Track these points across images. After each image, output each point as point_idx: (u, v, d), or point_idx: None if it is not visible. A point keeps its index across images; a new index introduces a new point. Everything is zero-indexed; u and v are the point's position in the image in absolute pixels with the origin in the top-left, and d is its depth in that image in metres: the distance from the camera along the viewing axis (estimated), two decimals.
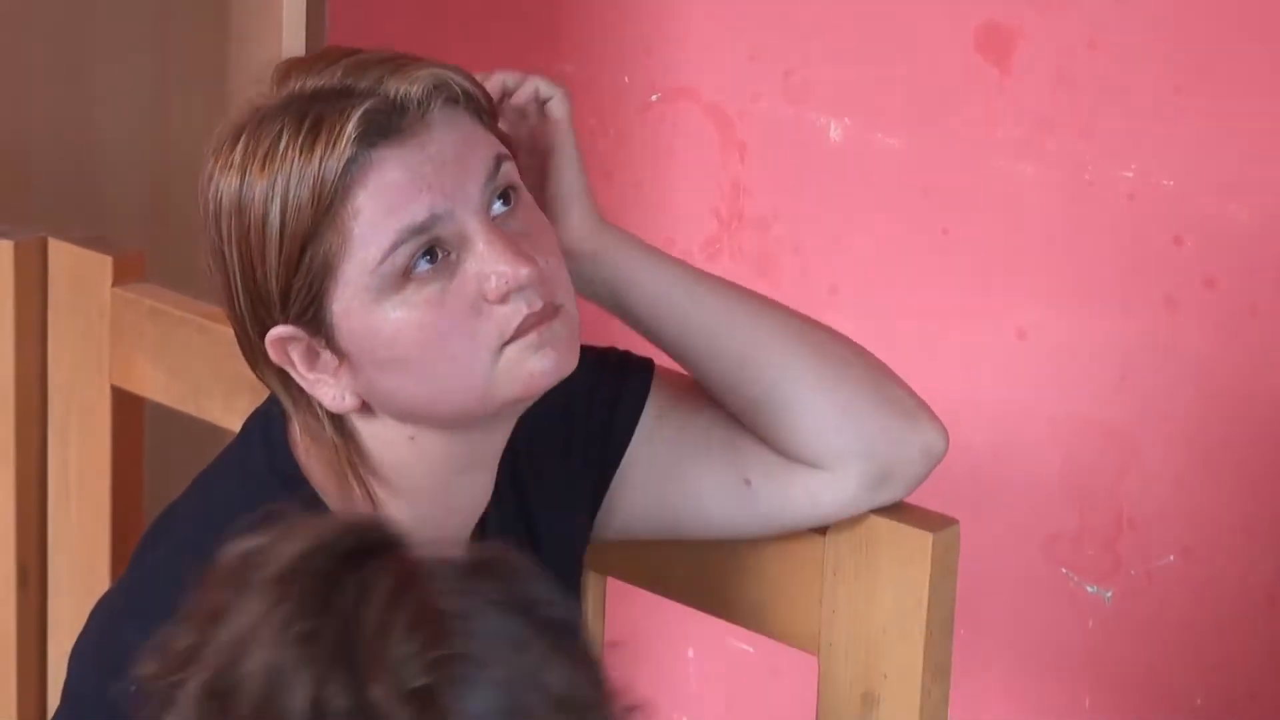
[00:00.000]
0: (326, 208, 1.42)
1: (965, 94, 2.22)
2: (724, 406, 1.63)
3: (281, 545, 1.11)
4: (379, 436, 1.51)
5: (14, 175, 2.91)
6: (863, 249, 2.32)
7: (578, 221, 1.56)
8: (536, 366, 1.46)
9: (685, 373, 1.67)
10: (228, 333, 1.96)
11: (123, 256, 2.10)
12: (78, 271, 2.12)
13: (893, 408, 1.62)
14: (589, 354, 1.67)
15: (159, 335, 2.06)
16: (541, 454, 1.61)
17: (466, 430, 1.51)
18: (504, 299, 1.44)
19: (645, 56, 2.47)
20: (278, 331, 1.46)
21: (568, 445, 1.64)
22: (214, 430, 1.79)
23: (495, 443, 1.54)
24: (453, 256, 1.44)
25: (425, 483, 1.52)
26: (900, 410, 1.63)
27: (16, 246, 2.13)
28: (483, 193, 1.45)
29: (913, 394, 1.64)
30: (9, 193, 2.87)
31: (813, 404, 1.60)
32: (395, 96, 1.43)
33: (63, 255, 2.13)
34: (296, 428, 1.53)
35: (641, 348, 1.65)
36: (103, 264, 2.10)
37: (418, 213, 1.42)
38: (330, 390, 1.48)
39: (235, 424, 1.66)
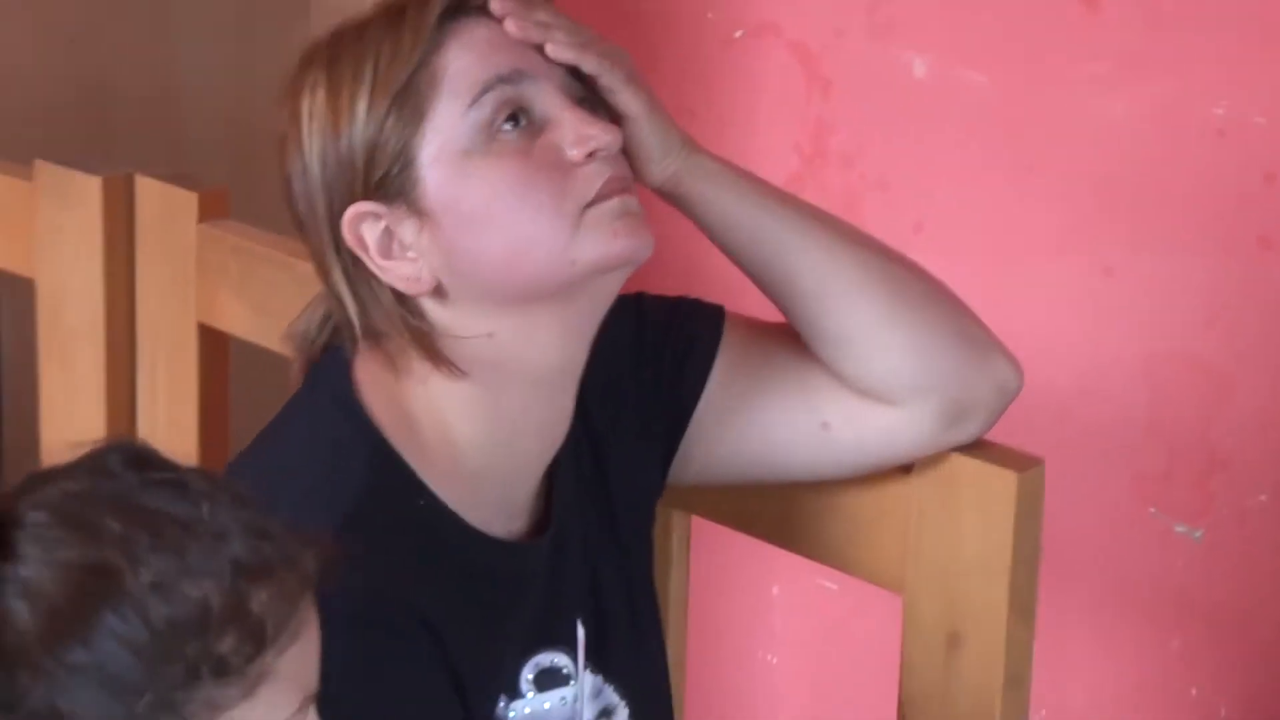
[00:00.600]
0: (420, 59, 1.44)
1: (1052, 30, 2.20)
2: (799, 336, 1.62)
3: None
4: (453, 328, 1.48)
5: (101, 113, 2.92)
6: (947, 186, 2.31)
7: (660, 141, 1.54)
8: (620, 233, 1.45)
9: (757, 319, 1.66)
10: (310, 270, 1.98)
11: (208, 193, 2.11)
12: (164, 208, 2.13)
13: (966, 344, 1.61)
14: (660, 302, 1.66)
15: (243, 272, 2.07)
16: (615, 402, 1.60)
17: (546, 323, 1.48)
18: (588, 159, 1.45)
19: None
20: (356, 209, 1.46)
21: (641, 394, 1.63)
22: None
23: (572, 352, 1.52)
24: (535, 124, 1.45)
25: (500, 392, 1.50)
26: (974, 346, 1.61)
27: (104, 183, 2.15)
28: (565, 74, 1.48)
29: (987, 330, 1.63)
30: (96, 130, 2.89)
31: (887, 338, 1.59)
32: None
33: (149, 192, 2.14)
34: (360, 359, 1.51)
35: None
36: (188, 200, 2.11)
37: (504, 64, 1.45)
38: (406, 270, 1.47)
39: None
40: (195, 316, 2.12)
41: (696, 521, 1.85)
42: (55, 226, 2.18)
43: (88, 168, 2.17)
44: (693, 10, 2.49)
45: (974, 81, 2.27)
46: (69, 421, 2.21)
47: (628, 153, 1.51)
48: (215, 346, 2.14)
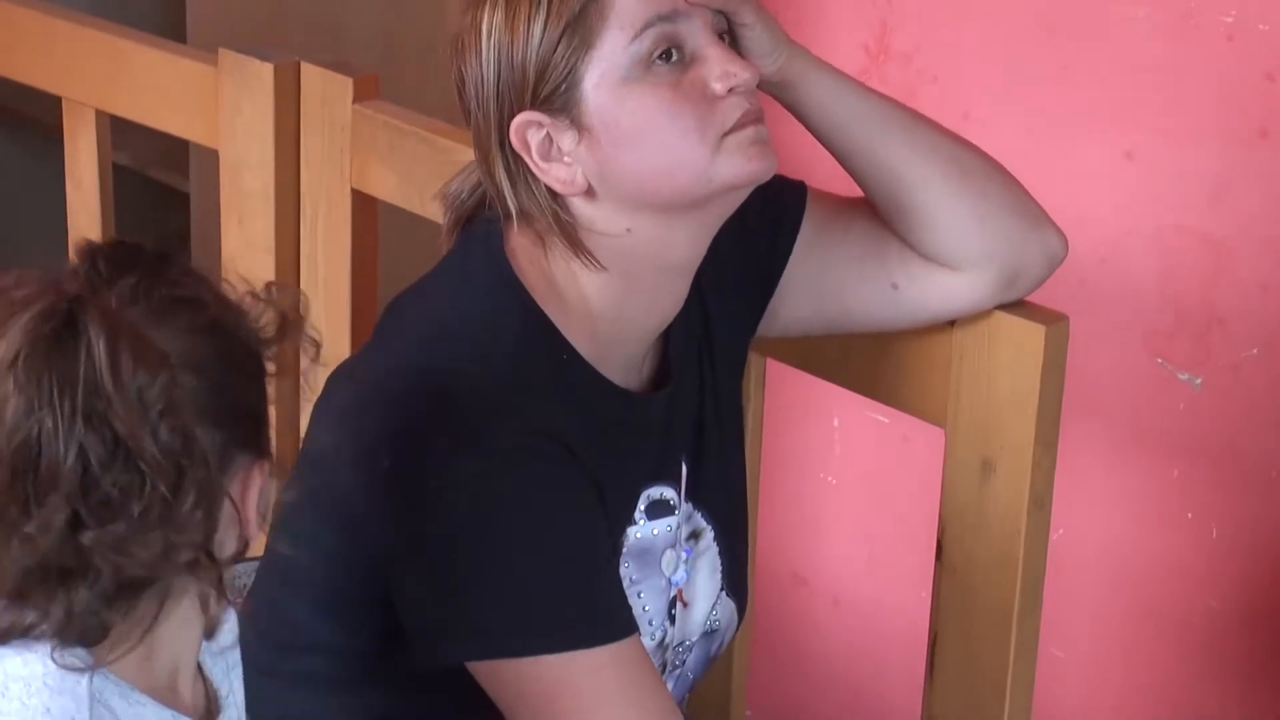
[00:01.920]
0: None
1: None
2: (876, 209, 1.60)
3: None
4: (597, 224, 1.47)
5: (272, 8, 2.90)
6: (992, 80, 2.28)
7: (769, 41, 1.52)
8: (753, 157, 1.45)
9: (836, 195, 1.64)
10: (449, 145, 1.98)
11: (361, 79, 2.11)
12: (324, 91, 2.12)
13: (1022, 216, 1.59)
14: None
15: (390, 146, 2.06)
16: (718, 265, 1.58)
17: (679, 224, 1.47)
18: (729, 93, 1.43)
19: None
20: (524, 116, 1.44)
21: (738, 262, 1.61)
22: (436, 227, 1.77)
23: (698, 247, 1.51)
24: (687, 59, 1.44)
25: (633, 277, 1.49)
26: (1029, 219, 1.60)
27: (275, 69, 2.14)
28: (715, 16, 1.46)
29: (1038, 205, 1.61)
30: (269, 23, 2.87)
31: (954, 211, 1.57)
32: None
33: (312, 77, 2.13)
34: (514, 232, 1.50)
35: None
36: (345, 85, 2.10)
37: (664, 4, 1.43)
38: (563, 173, 1.45)
39: None
40: (349, 183, 2.12)
41: (770, 363, 1.85)
42: (235, 105, 2.18)
43: (263, 56, 2.16)
44: None
45: None
46: (246, 268, 2.18)
47: (745, 50, 1.50)
48: (366, 209, 2.14)
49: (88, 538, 1.09)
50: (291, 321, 1.21)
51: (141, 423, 1.09)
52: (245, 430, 1.17)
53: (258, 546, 1.29)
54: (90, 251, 1.15)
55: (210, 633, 1.22)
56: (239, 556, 1.18)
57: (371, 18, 2.92)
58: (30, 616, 1.11)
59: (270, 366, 1.20)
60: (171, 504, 1.10)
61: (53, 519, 1.08)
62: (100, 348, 1.08)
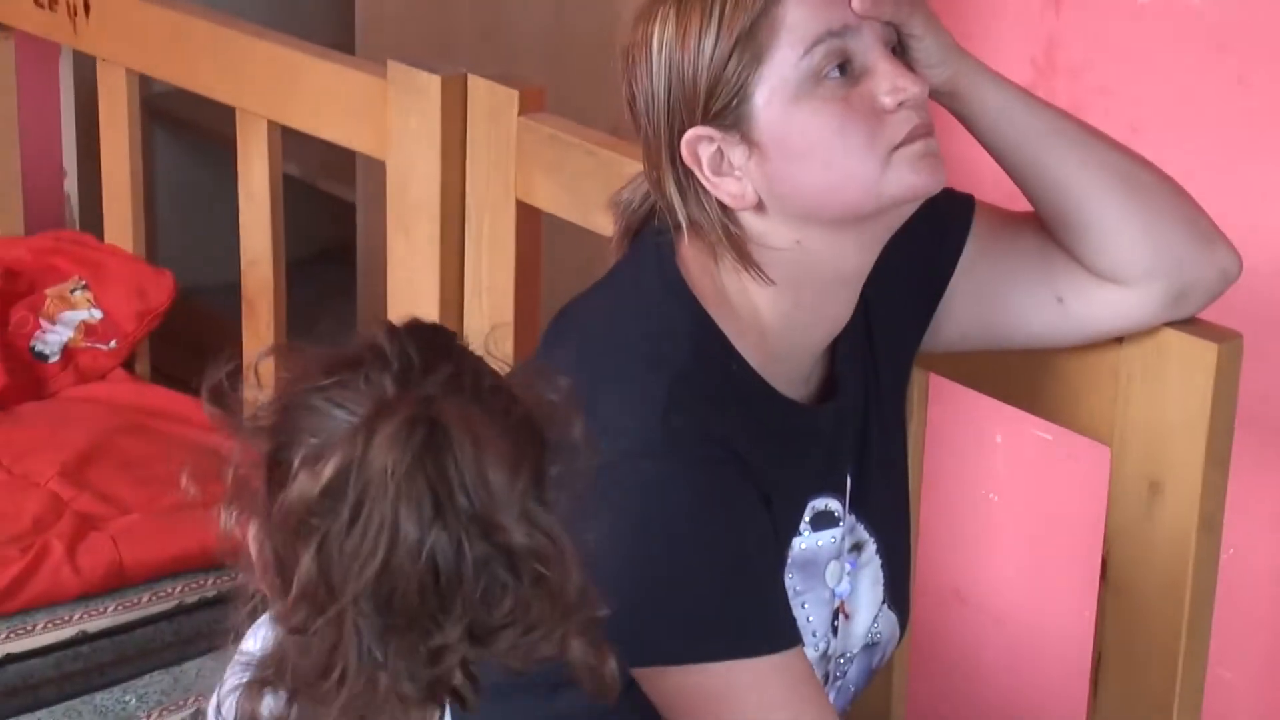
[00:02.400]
0: (762, 9, 1.41)
1: None
2: (1044, 222, 1.58)
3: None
4: (767, 237, 1.47)
5: (441, 23, 2.93)
6: (1162, 94, 2.25)
7: (939, 50, 1.50)
8: (922, 171, 1.44)
9: (1003, 208, 1.63)
10: (613, 157, 1.98)
11: (528, 91, 2.12)
12: (491, 103, 2.14)
13: (1194, 232, 1.57)
14: None
15: (556, 158, 2.07)
16: (885, 278, 1.57)
17: (848, 237, 1.47)
18: (899, 107, 1.43)
19: None
20: (695, 131, 1.44)
21: (903, 275, 1.60)
22: (599, 239, 1.78)
23: (866, 259, 1.50)
24: (857, 73, 1.43)
25: (802, 288, 1.49)
26: (1201, 235, 1.57)
27: (443, 81, 2.16)
28: (885, 28, 1.45)
29: (1212, 222, 1.59)
30: (438, 37, 2.90)
31: (1123, 225, 1.55)
32: None
33: (479, 89, 2.15)
34: (684, 242, 1.50)
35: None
36: (511, 97, 2.11)
37: (835, 19, 1.42)
38: (733, 187, 1.45)
39: None
40: (514, 194, 2.13)
41: (934, 378, 1.83)
42: (403, 117, 2.20)
43: (430, 68, 2.18)
44: None
45: (1191, 4, 2.20)
46: (409, 280, 2.24)
47: (914, 61, 1.48)
48: (530, 220, 2.15)
49: (494, 638, 1.09)
50: (567, 412, 1.20)
51: (509, 516, 1.08)
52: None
53: None
54: (395, 334, 1.13)
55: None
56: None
57: (539, 28, 2.94)
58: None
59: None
60: (549, 582, 1.10)
61: (457, 629, 1.07)
62: (468, 451, 1.07)
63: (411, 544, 1.06)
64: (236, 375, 1.14)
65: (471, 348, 1.18)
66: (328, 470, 1.06)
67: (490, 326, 1.22)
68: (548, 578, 1.10)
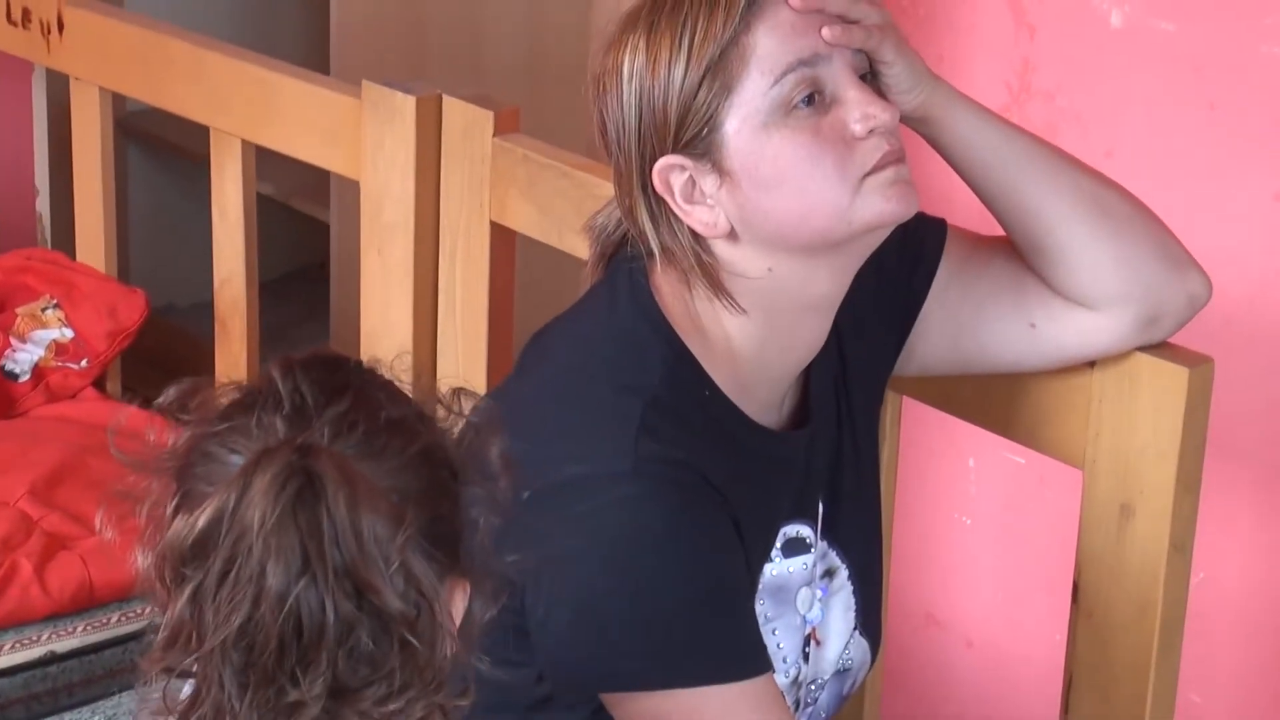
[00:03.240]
0: (731, 38, 1.41)
1: None
2: (1016, 247, 1.58)
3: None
4: (739, 265, 1.47)
5: (416, 43, 2.94)
6: (1136, 119, 2.25)
7: (910, 76, 1.50)
8: (893, 198, 1.44)
9: (976, 233, 1.63)
10: (587, 178, 1.99)
11: (502, 112, 2.12)
12: (465, 123, 2.14)
13: (1164, 257, 1.57)
14: None
15: (529, 179, 2.08)
16: (857, 303, 1.57)
17: (820, 264, 1.47)
18: (869, 135, 1.42)
19: None
20: (666, 160, 1.44)
21: (876, 303, 1.61)
22: (572, 260, 1.78)
23: (838, 286, 1.50)
24: (827, 101, 1.43)
25: (774, 315, 1.49)
26: (1171, 260, 1.58)
27: (418, 102, 2.17)
28: (856, 55, 1.45)
29: (1182, 247, 1.59)
30: (412, 57, 2.90)
31: (1095, 251, 1.55)
32: None
33: (454, 109, 2.15)
34: (657, 269, 1.50)
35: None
36: (485, 118, 2.12)
37: (805, 48, 1.42)
38: (705, 216, 1.45)
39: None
40: (488, 215, 2.13)
41: (907, 402, 1.84)
42: (378, 137, 2.20)
43: (405, 89, 2.18)
44: None
45: (1163, 29, 2.20)
46: (383, 299, 2.24)
47: (885, 87, 1.49)
48: (504, 241, 2.15)
49: (349, 700, 1.07)
50: (485, 435, 1.18)
51: (380, 576, 1.06)
52: (450, 554, 1.14)
53: None
54: (289, 371, 1.11)
55: None
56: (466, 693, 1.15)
57: (514, 49, 2.95)
58: None
59: (466, 476, 1.17)
60: (417, 653, 1.08)
61: (317, 685, 1.06)
62: (341, 505, 1.06)
63: (276, 597, 1.05)
64: (169, 407, 1.13)
65: (390, 373, 1.16)
66: (201, 520, 1.06)
67: (395, 354, 1.20)
68: (415, 647, 1.08)
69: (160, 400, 1.14)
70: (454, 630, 1.12)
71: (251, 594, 1.05)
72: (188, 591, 1.07)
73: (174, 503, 1.09)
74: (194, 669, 1.08)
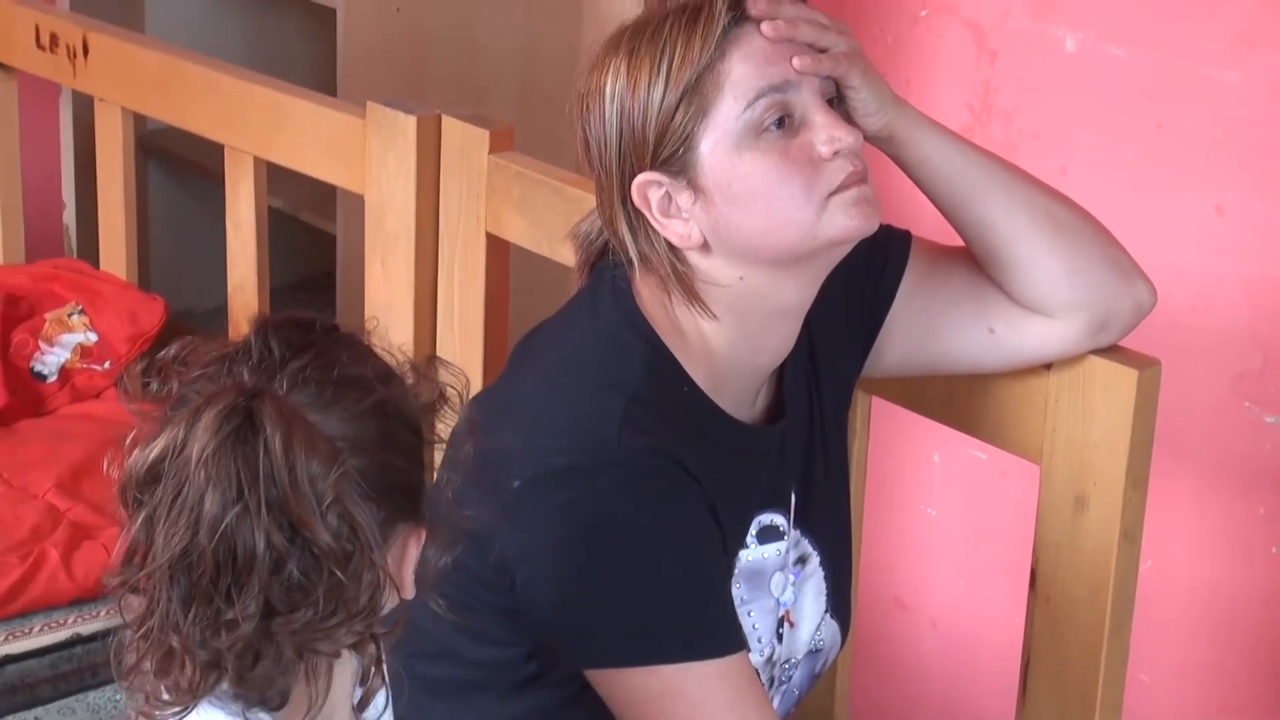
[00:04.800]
0: (707, 64, 1.42)
1: (1181, 13, 2.14)
2: (974, 258, 1.59)
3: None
4: (711, 274, 1.48)
5: (418, 66, 2.94)
6: (1089, 138, 2.26)
7: (875, 99, 1.51)
8: (855, 215, 1.44)
9: (939, 243, 1.64)
10: (577, 193, 1.99)
11: (497, 131, 2.12)
12: (463, 142, 2.13)
13: (1113, 268, 1.58)
14: None
15: (523, 194, 2.07)
16: (827, 307, 1.58)
17: (788, 275, 1.47)
18: (834, 156, 1.43)
19: None
20: (644, 176, 1.45)
21: (845, 307, 1.61)
22: (564, 269, 1.78)
23: (806, 294, 1.51)
24: (796, 124, 1.44)
25: (745, 320, 1.49)
26: (1119, 270, 1.58)
27: (418, 121, 2.16)
28: (824, 81, 1.45)
29: (1130, 257, 1.60)
30: (414, 79, 2.90)
31: (1046, 262, 1.56)
32: None
33: (452, 128, 2.15)
34: (638, 275, 1.51)
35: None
36: (482, 136, 2.11)
37: (776, 75, 1.43)
38: (680, 228, 1.46)
39: None
40: (484, 228, 2.13)
41: (877, 401, 1.84)
42: (381, 155, 2.20)
43: (406, 109, 2.18)
44: None
45: (1114, 54, 2.21)
46: (386, 306, 2.24)
47: (852, 110, 1.49)
48: (499, 252, 2.15)
49: (278, 623, 1.10)
50: (450, 400, 1.21)
51: (313, 513, 1.09)
52: (404, 503, 1.16)
53: None
54: (263, 329, 1.15)
55: (365, 704, 1.23)
56: (396, 628, 1.18)
57: (508, 75, 2.95)
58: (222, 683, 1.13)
59: (429, 434, 1.20)
60: (345, 586, 1.11)
61: (250, 606, 1.09)
62: (277, 443, 1.09)
63: (212, 523, 1.08)
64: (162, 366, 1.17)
65: (368, 339, 1.20)
66: (154, 451, 1.11)
67: (376, 322, 1.24)
68: (342, 583, 1.11)
69: (160, 354, 1.18)
70: (389, 568, 1.14)
71: (192, 520, 1.09)
72: (142, 515, 1.11)
73: (133, 435, 1.13)
74: (145, 586, 1.12)
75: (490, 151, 2.10)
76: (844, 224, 1.44)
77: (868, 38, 2.43)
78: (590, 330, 1.52)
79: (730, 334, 1.49)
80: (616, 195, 1.47)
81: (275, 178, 2.46)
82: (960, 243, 1.62)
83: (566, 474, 1.41)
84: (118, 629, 1.16)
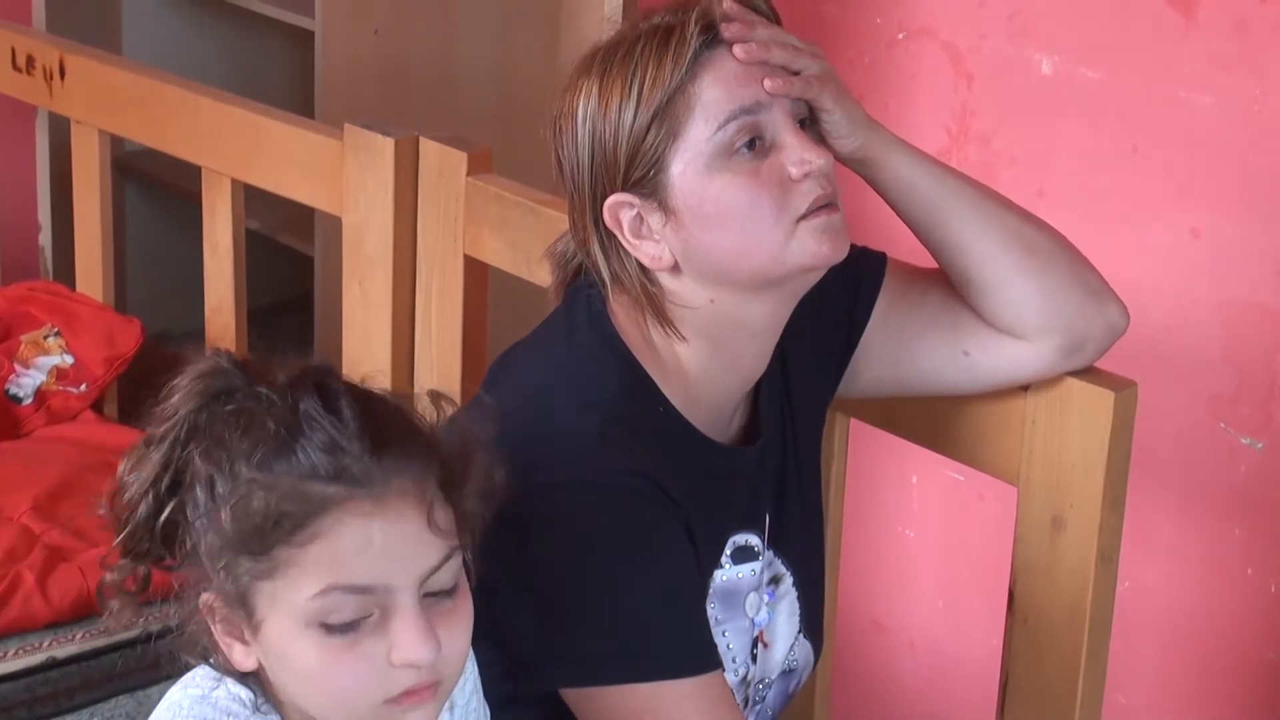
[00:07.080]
0: (678, 86, 1.42)
1: (1156, 37, 2.15)
2: (949, 281, 1.59)
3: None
4: (682, 296, 1.48)
5: (396, 88, 2.94)
6: (1065, 161, 2.27)
7: (848, 121, 1.51)
8: (824, 243, 1.45)
9: (914, 265, 1.64)
10: (554, 216, 1.99)
11: (475, 153, 2.12)
12: (441, 163, 2.14)
13: (1086, 290, 1.58)
14: None
15: (501, 216, 2.08)
16: (801, 329, 1.58)
17: (758, 298, 1.48)
18: (804, 178, 1.43)
19: (894, 2, 2.41)
20: (616, 198, 1.45)
21: (819, 328, 1.61)
22: (542, 291, 1.78)
23: (777, 317, 1.51)
24: (767, 146, 1.44)
25: (717, 342, 1.50)
26: (1092, 293, 1.59)
27: (396, 143, 2.16)
28: (795, 102, 1.46)
29: (1102, 280, 1.60)
30: (392, 101, 2.91)
31: (1021, 285, 1.56)
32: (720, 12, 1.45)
33: (430, 150, 2.15)
34: (612, 295, 1.51)
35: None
36: (460, 158, 2.12)
37: (747, 97, 1.43)
38: (651, 249, 1.46)
39: None
40: (462, 249, 2.13)
41: (855, 423, 1.84)
42: (359, 177, 2.20)
43: (384, 131, 2.18)
44: (864, 16, 2.45)
45: (1090, 78, 2.22)
46: (364, 328, 2.24)
47: (825, 132, 1.49)
48: (477, 273, 2.15)
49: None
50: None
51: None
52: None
53: None
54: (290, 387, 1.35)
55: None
56: None
57: (485, 97, 2.96)
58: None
59: None
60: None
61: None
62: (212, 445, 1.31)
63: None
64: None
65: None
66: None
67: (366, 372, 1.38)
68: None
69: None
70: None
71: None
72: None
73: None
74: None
75: (468, 173, 2.11)
76: (812, 250, 1.44)
77: (845, 60, 2.44)
78: (566, 350, 1.52)
79: (702, 355, 1.50)
80: (589, 216, 1.47)
81: (253, 199, 2.46)
82: (935, 265, 1.62)
83: (543, 494, 1.41)
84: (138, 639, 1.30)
